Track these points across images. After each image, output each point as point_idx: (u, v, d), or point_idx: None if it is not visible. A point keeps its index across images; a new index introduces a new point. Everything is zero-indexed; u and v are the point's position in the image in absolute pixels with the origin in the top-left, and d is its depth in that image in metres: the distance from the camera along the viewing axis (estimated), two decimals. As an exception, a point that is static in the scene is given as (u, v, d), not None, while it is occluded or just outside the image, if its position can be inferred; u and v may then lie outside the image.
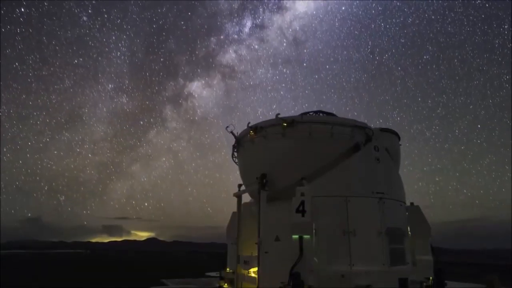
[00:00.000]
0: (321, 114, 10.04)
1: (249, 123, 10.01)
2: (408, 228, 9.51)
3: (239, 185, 10.93)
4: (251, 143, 9.82)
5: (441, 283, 9.62)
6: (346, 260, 7.91)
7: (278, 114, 9.42)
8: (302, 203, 7.81)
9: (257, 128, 9.54)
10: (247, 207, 10.65)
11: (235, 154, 10.95)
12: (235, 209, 10.96)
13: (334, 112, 10.21)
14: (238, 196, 11.01)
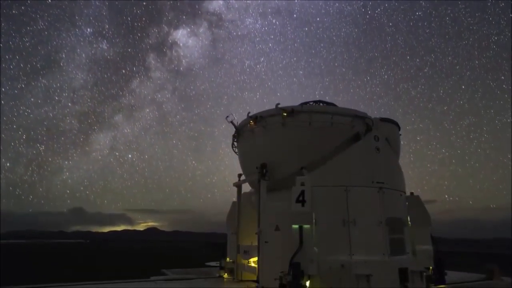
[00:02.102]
0: (321, 104, 10.00)
1: (249, 112, 10.00)
2: (408, 218, 9.52)
3: (239, 175, 10.93)
4: (251, 133, 9.80)
5: (441, 273, 9.66)
6: (346, 250, 7.92)
7: (278, 104, 9.41)
8: (302, 192, 7.80)
9: (257, 118, 9.53)
10: (247, 197, 10.65)
11: (235, 144, 10.93)
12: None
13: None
14: (238, 186, 11.01)
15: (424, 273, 8.45)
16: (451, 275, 10.23)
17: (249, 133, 9.93)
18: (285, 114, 9.03)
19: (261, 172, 9.04)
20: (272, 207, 8.77)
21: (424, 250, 9.53)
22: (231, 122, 10.32)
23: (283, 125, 9.09)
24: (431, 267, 9.29)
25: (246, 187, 11.00)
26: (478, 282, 10.48)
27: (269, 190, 9.02)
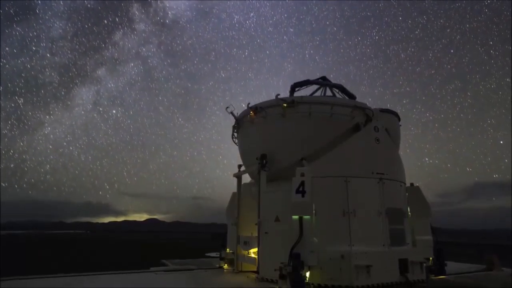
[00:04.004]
0: (324, 80, 9.93)
1: (249, 103, 9.96)
2: (408, 208, 9.52)
3: (239, 166, 10.91)
4: (251, 124, 9.77)
5: (441, 263, 9.68)
6: (346, 241, 7.93)
7: (278, 94, 9.41)
8: (302, 183, 7.78)
9: (257, 109, 9.50)
10: (247, 187, 10.64)
11: (235, 134, 10.91)
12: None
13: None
14: (238, 176, 10.99)
15: (424, 264, 8.45)
16: (451, 266, 10.25)
17: (249, 124, 9.91)
18: (285, 105, 9.01)
19: (261, 163, 9.03)
20: (272, 198, 8.76)
21: (424, 240, 9.55)
22: (231, 113, 10.30)
23: (283, 116, 9.08)
24: (431, 258, 9.32)
25: (246, 178, 10.99)
26: (478, 272, 10.49)
27: (269, 181, 9.01)
